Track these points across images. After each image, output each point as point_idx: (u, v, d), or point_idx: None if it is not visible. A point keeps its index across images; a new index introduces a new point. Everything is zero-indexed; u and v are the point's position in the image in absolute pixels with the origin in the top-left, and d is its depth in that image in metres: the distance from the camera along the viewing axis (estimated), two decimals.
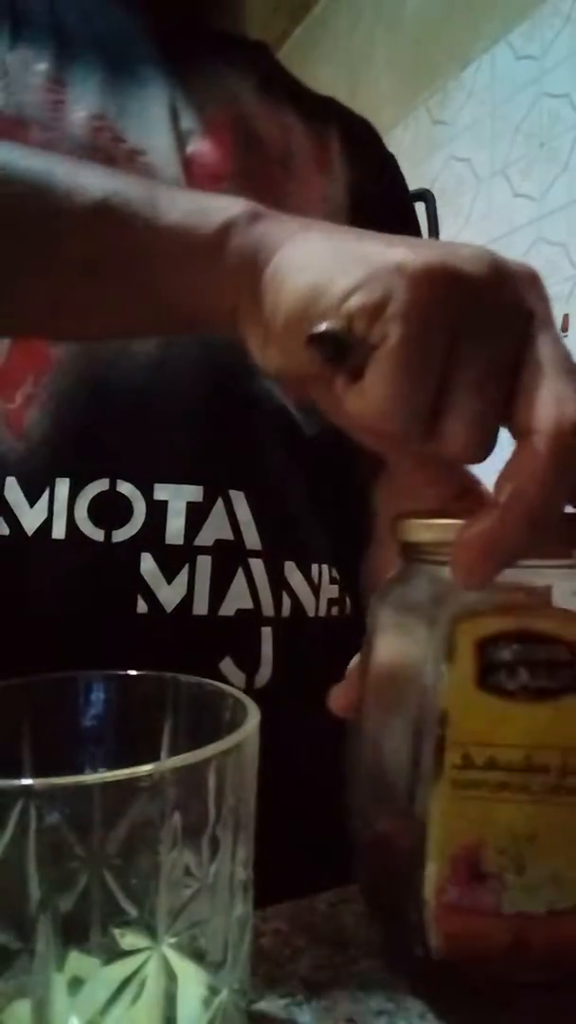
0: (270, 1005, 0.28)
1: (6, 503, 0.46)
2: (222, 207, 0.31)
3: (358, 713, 0.31)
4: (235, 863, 0.23)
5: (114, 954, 0.21)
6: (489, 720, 0.26)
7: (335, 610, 0.54)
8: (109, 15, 0.55)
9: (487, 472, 0.28)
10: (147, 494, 0.46)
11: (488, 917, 0.26)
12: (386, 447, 0.31)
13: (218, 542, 0.47)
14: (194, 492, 0.47)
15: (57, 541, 0.45)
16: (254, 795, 0.25)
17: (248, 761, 0.24)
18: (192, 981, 0.23)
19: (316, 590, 0.52)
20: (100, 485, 0.46)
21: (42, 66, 0.51)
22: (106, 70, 0.53)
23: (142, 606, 0.46)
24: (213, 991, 0.23)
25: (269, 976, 0.30)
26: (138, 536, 0.46)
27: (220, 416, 0.49)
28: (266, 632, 0.49)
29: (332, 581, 0.54)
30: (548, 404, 0.25)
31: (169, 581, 0.46)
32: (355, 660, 0.33)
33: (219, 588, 0.47)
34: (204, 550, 0.47)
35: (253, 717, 0.25)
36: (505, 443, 0.26)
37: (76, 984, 0.21)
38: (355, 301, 0.26)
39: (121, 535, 0.46)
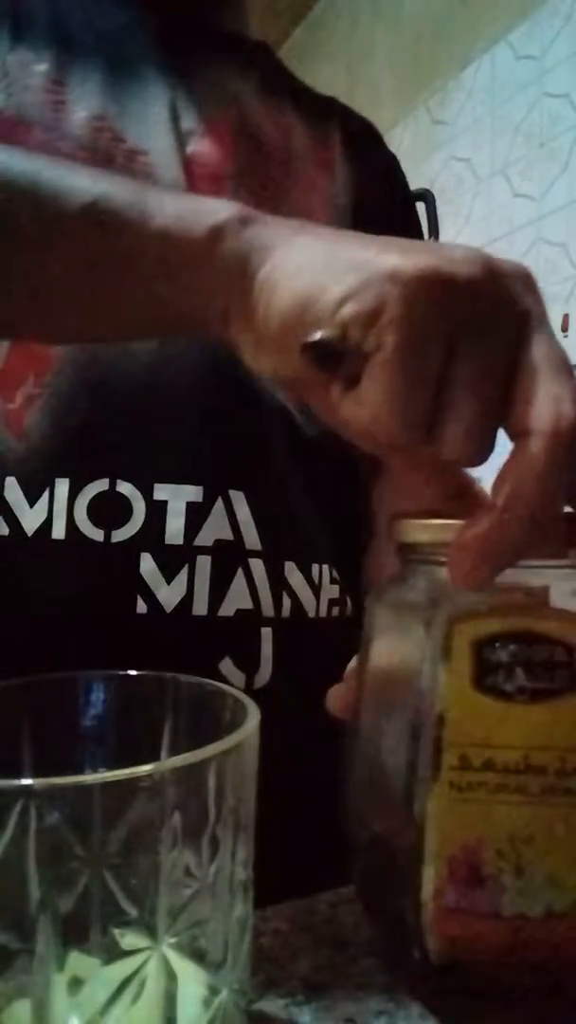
0: (270, 1005, 0.28)
1: (6, 503, 0.46)
2: (212, 210, 0.31)
3: (356, 714, 0.31)
4: (235, 863, 0.23)
5: (114, 954, 0.21)
6: (486, 721, 0.26)
7: (336, 610, 0.54)
8: (110, 15, 0.55)
9: (486, 471, 0.28)
10: (147, 494, 0.46)
11: (486, 919, 0.26)
12: (383, 450, 0.31)
13: (218, 542, 0.47)
14: (194, 492, 0.47)
15: (57, 541, 0.45)
16: (254, 795, 0.25)
17: (248, 761, 0.24)
18: (192, 981, 0.23)
19: (317, 590, 0.52)
20: (100, 485, 0.46)
21: (42, 67, 0.51)
22: (107, 70, 0.53)
23: (142, 606, 0.46)
24: (213, 991, 0.23)
25: (269, 976, 0.30)
26: (138, 536, 0.46)
27: (220, 416, 0.49)
28: (266, 632, 0.49)
29: (333, 581, 0.54)
30: (545, 404, 0.25)
31: (169, 581, 0.46)
32: (354, 661, 0.33)
33: (219, 588, 0.47)
34: (204, 550, 0.47)
35: (253, 717, 0.25)
36: (502, 443, 0.26)
37: (76, 984, 0.21)
38: (349, 309, 0.26)
39: (121, 535, 0.46)
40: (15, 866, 0.20)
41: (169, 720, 0.29)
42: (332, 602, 0.54)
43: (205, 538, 0.47)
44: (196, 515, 0.47)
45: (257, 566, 0.49)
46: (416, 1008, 0.28)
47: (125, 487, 0.46)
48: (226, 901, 0.23)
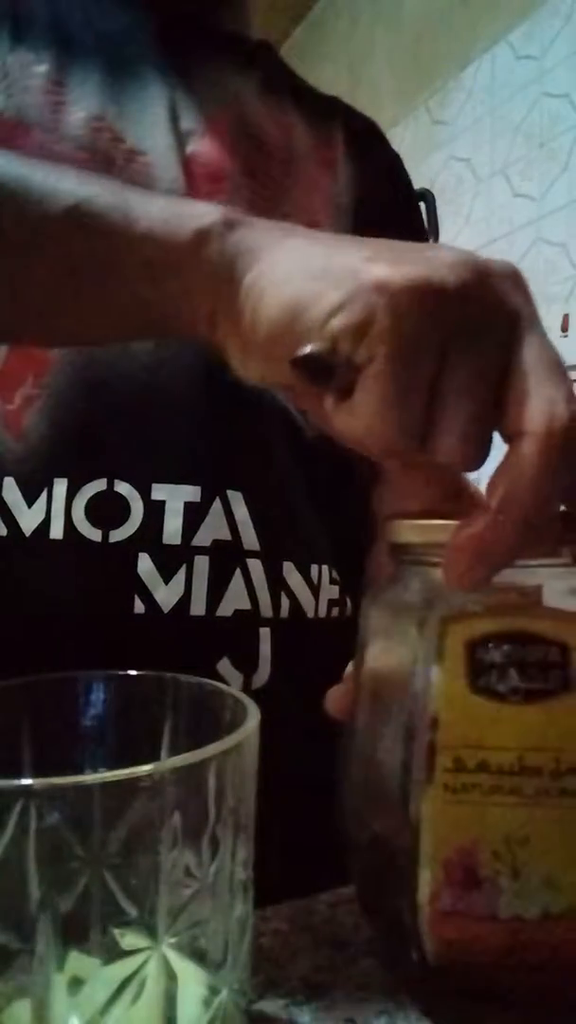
0: (270, 1005, 0.28)
1: (4, 504, 0.46)
2: (197, 214, 0.30)
3: (353, 716, 0.31)
4: (235, 863, 0.23)
5: (114, 954, 0.21)
6: (480, 723, 0.26)
7: (335, 611, 0.54)
8: (111, 16, 0.55)
9: (484, 472, 0.28)
10: (145, 494, 0.46)
11: (483, 922, 0.26)
12: (379, 457, 0.31)
13: (216, 542, 0.47)
14: (192, 492, 0.47)
15: (55, 541, 0.45)
16: (254, 795, 0.25)
17: (248, 761, 0.24)
18: (192, 981, 0.23)
19: (316, 591, 0.52)
20: (98, 485, 0.46)
21: (42, 68, 0.51)
22: (106, 71, 0.53)
23: (139, 606, 0.46)
24: (213, 991, 0.23)
25: (269, 976, 0.30)
26: (135, 536, 0.46)
27: (218, 416, 0.49)
28: (264, 633, 0.49)
29: (332, 582, 0.54)
30: (538, 406, 0.25)
31: (166, 581, 0.46)
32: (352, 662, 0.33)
33: (217, 588, 0.47)
34: (202, 550, 0.47)
35: (253, 717, 0.25)
36: (500, 444, 0.26)
37: (76, 984, 0.21)
38: (338, 321, 0.26)
39: (118, 535, 0.46)
40: (15, 866, 0.20)
41: (169, 720, 0.29)
42: (331, 602, 0.54)
43: (203, 538, 0.47)
44: (194, 515, 0.47)
45: (255, 566, 0.49)
46: (415, 1008, 0.28)
47: (123, 487, 0.46)
48: (226, 901, 0.23)
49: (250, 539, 0.48)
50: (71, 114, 0.50)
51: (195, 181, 0.52)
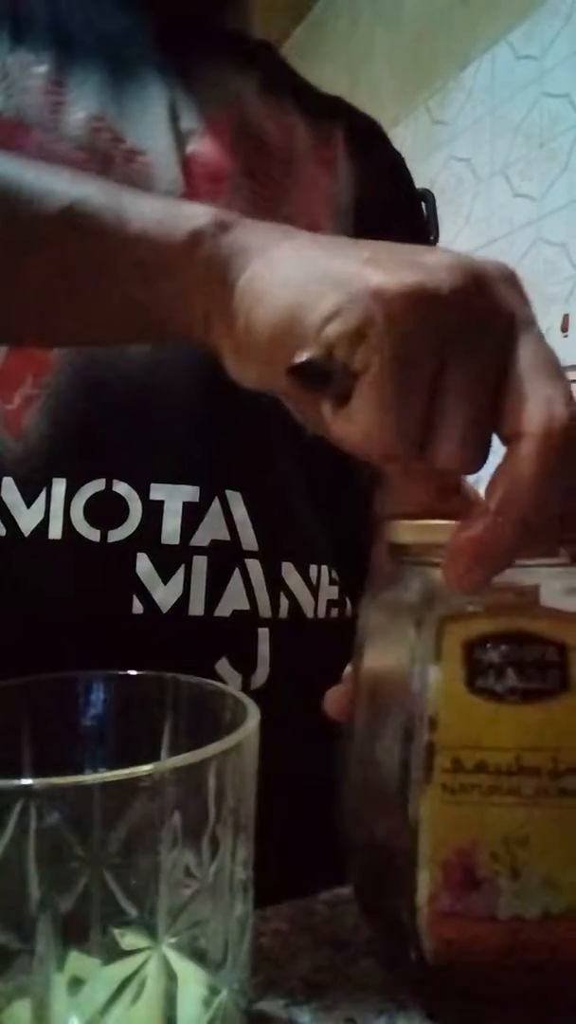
0: (270, 1005, 0.28)
1: (3, 504, 0.46)
2: (190, 215, 0.30)
3: (352, 716, 0.31)
4: (235, 863, 0.23)
5: (114, 954, 0.21)
6: (478, 723, 0.26)
7: (335, 612, 0.54)
8: (111, 16, 0.55)
9: (483, 473, 0.28)
10: (143, 494, 0.46)
11: (483, 922, 0.26)
12: (378, 462, 0.31)
13: (214, 542, 0.47)
14: (190, 492, 0.47)
15: (53, 541, 0.45)
16: (254, 795, 0.25)
17: (248, 761, 0.24)
18: (192, 981, 0.23)
19: (315, 591, 0.52)
20: (96, 485, 0.46)
21: (42, 68, 0.51)
22: (106, 71, 0.53)
23: (138, 606, 0.46)
24: (213, 991, 0.23)
25: (269, 976, 0.30)
26: (134, 536, 0.46)
27: (217, 417, 0.49)
28: (263, 633, 0.49)
29: (332, 582, 0.54)
30: (535, 407, 0.25)
31: (165, 581, 0.46)
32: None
33: (215, 589, 0.47)
34: (200, 550, 0.47)
35: (253, 717, 0.25)
36: (499, 446, 0.26)
37: (76, 984, 0.21)
38: (334, 328, 0.26)
39: (117, 535, 0.46)
40: (15, 866, 0.20)
41: (169, 720, 0.29)
42: (331, 603, 0.54)
43: (201, 538, 0.47)
44: (192, 515, 0.47)
45: (254, 566, 0.49)
46: (416, 1008, 0.28)
47: (122, 487, 0.46)
48: (226, 901, 0.23)
49: (249, 539, 0.48)
50: (71, 114, 0.50)
51: (194, 181, 0.52)
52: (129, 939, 0.21)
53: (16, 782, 0.19)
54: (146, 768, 0.20)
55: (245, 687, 0.48)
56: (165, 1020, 0.22)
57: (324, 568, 0.53)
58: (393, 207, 0.64)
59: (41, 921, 0.20)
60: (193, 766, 0.21)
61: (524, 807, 0.26)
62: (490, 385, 0.26)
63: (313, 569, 0.52)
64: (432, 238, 1.83)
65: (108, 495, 0.46)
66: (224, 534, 0.48)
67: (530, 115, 1.88)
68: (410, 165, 0.70)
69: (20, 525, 0.46)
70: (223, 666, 0.47)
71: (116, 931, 0.21)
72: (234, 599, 0.48)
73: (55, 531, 0.45)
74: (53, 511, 0.46)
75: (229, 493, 0.48)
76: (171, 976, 0.22)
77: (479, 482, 0.28)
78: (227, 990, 0.23)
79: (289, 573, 0.50)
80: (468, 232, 2.06)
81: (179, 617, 0.46)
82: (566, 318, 1.73)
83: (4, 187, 0.32)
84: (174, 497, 0.47)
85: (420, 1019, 0.28)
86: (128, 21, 0.55)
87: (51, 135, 0.49)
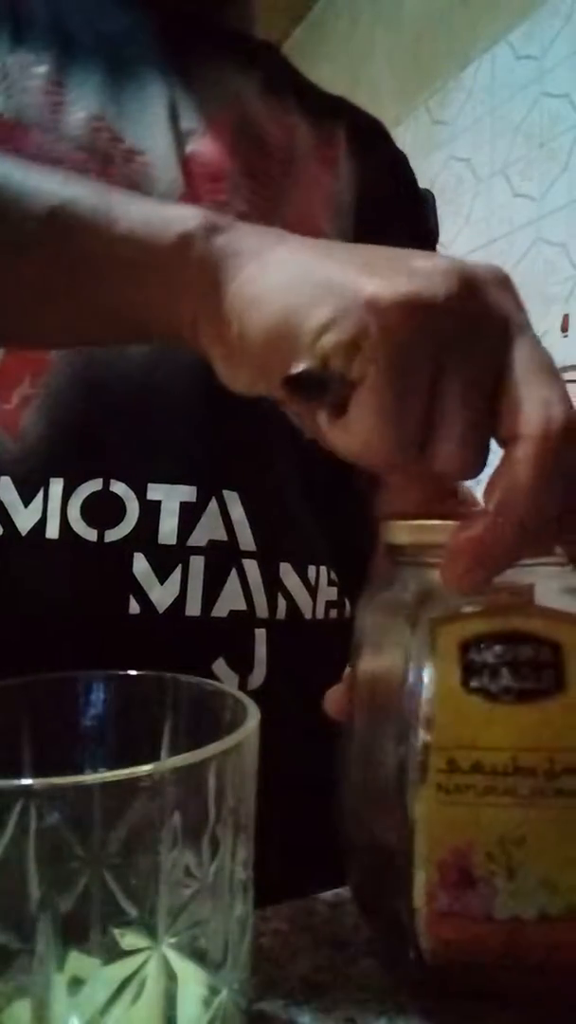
0: (270, 1005, 0.28)
1: (0, 503, 0.46)
2: (179, 217, 0.30)
3: (350, 716, 0.31)
4: (235, 863, 0.23)
5: (114, 954, 0.21)
6: (474, 723, 0.26)
7: (333, 612, 0.54)
8: (112, 16, 0.55)
9: (482, 476, 0.28)
10: (140, 494, 0.46)
11: (480, 922, 0.26)
12: (378, 471, 0.31)
13: (211, 543, 0.47)
14: (188, 492, 0.47)
15: (51, 541, 0.45)
16: (254, 795, 0.25)
17: (248, 761, 0.24)
18: (192, 981, 0.23)
19: (313, 592, 0.52)
20: (94, 485, 0.46)
21: (42, 68, 0.51)
22: (106, 71, 0.53)
23: (134, 607, 0.46)
24: (213, 991, 0.23)
25: (269, 976, 0.30)
26: (131, 536, 0.46)
27: (216, 417, 0.49)
28: (260, 634, 0.49)
29: (331, 583, 0.54)
30: (532, 409, 0.25)
31: (162, 582, 0.46)
32: None
33: (212, 589, 0.47)
34: (197, 551, 0.47)
35: (253, 717, 0.25)
36: (496, 450, 0.26)
37: (76, 984, 0.21)
38: (330, 339, 0.26)
39: (114, 535, 0.46)
40: (15, 866, 0.20)
41: (169, 720, 0.29)
42: (330, 604, 0.53)
43: (198, 538, 0.47)
44: (190, 515, 0.47)
45: (251, 567, 0.49)
46: (416, 1008, 0.28)
47: (119, 487, 0.46)
48: (226, 901, 0.23)
49: (246, 540, 0.48)
50: (70, 114, 0.50)
51: (194, 181, 0.52)
52: (129, 939, 0.21)
53: (16, 782, 0.19)
54: (146, 768, 0.20)
55: (242, 688, 0.48)
56: (165, 1020, 0.22)
57: (323, 569, 0.53)
58: (395, 205, 0.64)
59: (41, 921, 0.20)
60: (193, 766, 0.21)
61: (520, 807, 0.26)
62: (487, 389, 0.26)
63: (312, 570, 0.52)
64: (433, 237, 1.83)
65: (105, 495, 0.46)
66: (221, 534, 0.48)
67: (530, 115, 1.88)
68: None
69: (17, 525, 0.46)
70: (220, 667, 0.47)
71: (116, 931, 0.21)
72: (231, 599, 0.48)
73: (52, 531, 0.45)
74: (50, 511, 0.46)
75: (227, 493, 0.48)
76: (171, 976, 0.22)
77: (479, 484, 0.28)
78: (227, 990, 0.23)
79: (287, 574, 0.50)
80: (468, 232, 2.06)
81: (176, 617, 0.46)
82: (566, 318, 1.73)
83: None
84: (171, 497, 0.47)
85: (419, 1019, 0.28)
86: (128, 21, 0.55)
87: (51, 135, 0.49)
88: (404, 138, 2.25)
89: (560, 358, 0.27)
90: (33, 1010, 0.20)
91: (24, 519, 0.46)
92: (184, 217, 0.30)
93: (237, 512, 0.48)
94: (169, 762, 0.21)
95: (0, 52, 0.51)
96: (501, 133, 1.97)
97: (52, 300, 0.33)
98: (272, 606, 0.49)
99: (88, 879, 0.20)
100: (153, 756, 0.28)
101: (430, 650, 0.26)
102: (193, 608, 0.46)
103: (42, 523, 0.45)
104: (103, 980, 0.21)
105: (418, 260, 0.27)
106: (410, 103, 2.30)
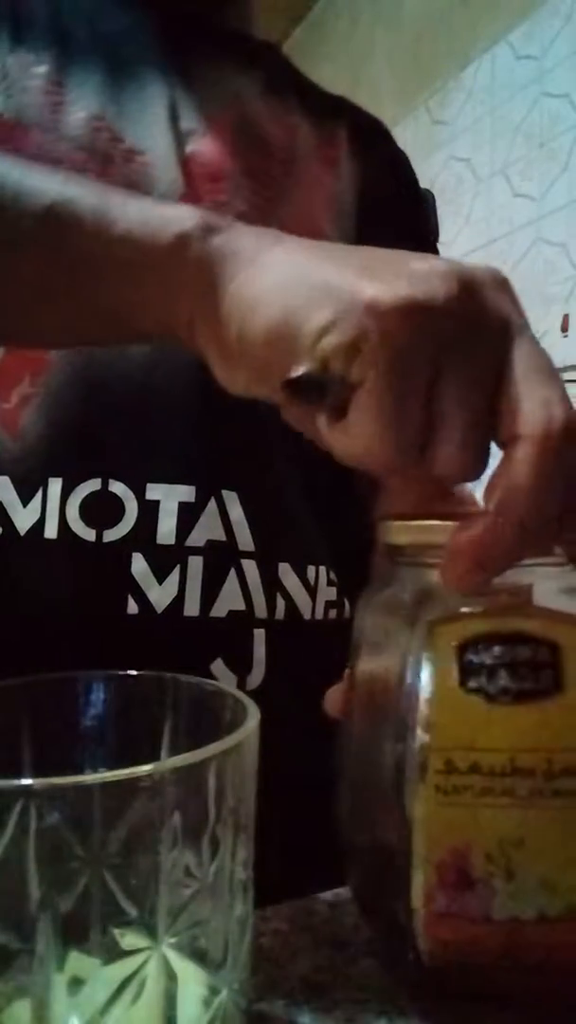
0: (270, 1005, 0.28)
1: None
2: (176, 217, 0.30)
3: (349, 716, 0.31)
4: (235, 863, 0.23)
5: (114, 954, 0.21)
6: (472, 724, 0.26)
7: (333, 613, 0.54)
8: (112, 16, 0.55)
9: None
10: (139, 494, 0.46)
11: (478, 923, 0.26)
12: (378, 474, 0.31)
13: (210, 543, 0.47)
14: (186, 492, 0.47)
15: (49, 541, 0.45)
16: (254, 795, 0.25)
17: (248, 761, 0.24)
18: (192, 981, 0.23)
19: (313, 592, 0.52)
20: (92, 485, 0.46)
21: (42, 68, 0.51)
22: (107, 71, 0.53)
23: (133, 606, 0.45)
24: (213, 991, 0.23)
25: (269, 976, 0.30)
26: (129, 536, 0.46)
27: (215, 417, 0.49)
28: (259, 634, 0.49)
29: (330, 583, 0.54)
30: (533, 409, 0.25)
31: (160, 582, 0.46)
32: None
33: (210, 589, 0.47)
34: (195, 551, 0.47)
35: (253, 717, 0.25)
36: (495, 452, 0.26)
37: (76, 984, 0.21)
38: (329, 341, 0.26)
39: (112, 535, 0.46)
40: (15, 866, 0.20)
41: (169, 720, 0.29)
42: (329, 604, 0.53)
43: (197, 538, 0.47)
44: (188, 515, 0.47)
45: (250, 567, 0.48)
46: (416, 1009, 0.28)
47: (117, 487, 0.46)
48: (226, 901, 0.23)
49: (245, 540, 0.48)
50: (70, 114, 0.50)
51: (194, 181, 0.52)
52: (129, 939, 0.21)
53: (16, 782, 0.19)
54: (146, 768, 0.20)
55: (240, 688, 0.47)
56: (165, 1020, 0.22)
57: (322, 569, 0.53)
58: (396, 205, 0.64)
59: (41, 921, 0.20)
60: (193, 766, 0.21)
61: (518, 808, 0.26)
62: (487, 390, 0.26)
63: (311, 570, 0.52)
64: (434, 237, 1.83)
65: (104, 495, 0.46)
66: (220, 534, 0.48)
67: (530, 115, 1.88)
68: None
69: (16, 524, 0.46)
70: (218, 667, 0.47)
71: (116, 931, 0.21)
72: (230, 600, 0.48)
73: (51, 531, 0.45)
74: (49, 510, 0.46)
75: (225, 493, 0.48)
76: (171, 976, 0.22)
77: (478, 484, 0.28)
78: (227, 990, 0.23)
79: (286, 574, 0.50)
80: (468, 232, 2.06)
81: (174, 617, 0.46)
82: (566, 318, 1.73)
83: None
84: (170, 497, 0.47)
85: (419, 1020, 0.28)
86: (129, 21, 0.55)
87: (50, 135, 0.49)
88: (404, 138, 2.24)
89: (560, 358, 0.27)
90: (33, 1010, 0.20)
91: (23, 519, 0.46)
92: (181, 217, 0.30)
93: (236, 512, 0.48)
94: (169, 762, 0.21)
95: (0, 52, 0.51)
96: (501, 133, 1.97)
97: (50, 299, 0.33)
98: (271, 606, 0.49)
99: (88, 879, 0.20)
100: (153, 756, 0.28)
101: (428, 650, 0.26)
102: (192, 608, 0.46)
103: (41, 523, 0.45)
104: (103, 980, 0.21)
105: (416, 262, 0.27)
106: (410, 103, 2.30)
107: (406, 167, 0.69)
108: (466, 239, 2.05)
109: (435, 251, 0.70)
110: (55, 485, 0.46)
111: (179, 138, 0.53)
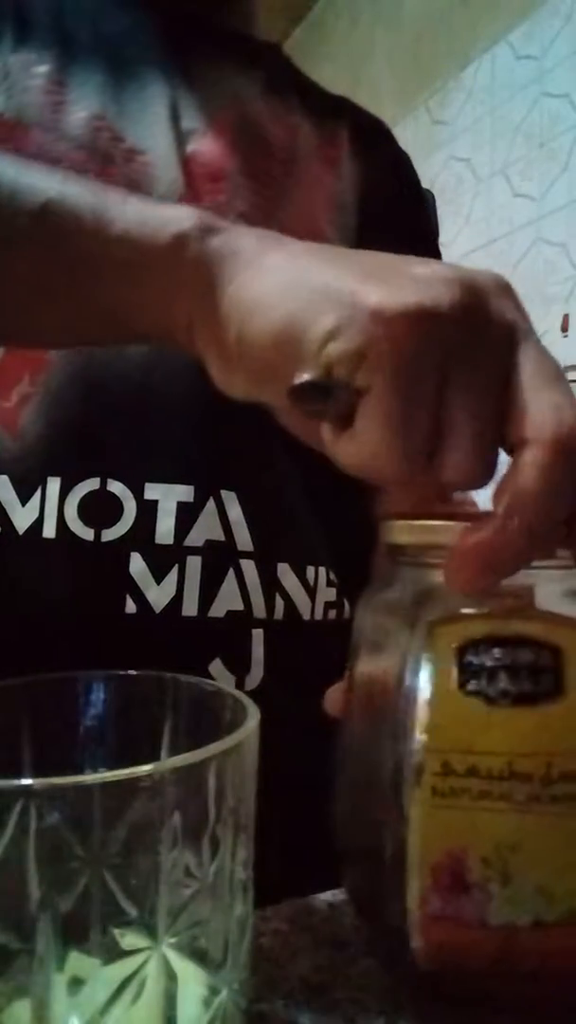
0: (270, 1005, 0.28)
1: None
2: (174, 217, 0.30)
3: (347, 717, 0.31)
4: (235, 863, 0.23)
5: (114, 954, 0.21)
6: (470, 727, 0.25)
7: (332, 613, 0.54)
8: (113, 16, 0.55)
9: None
10: (138, 494, 0.46)
11: (474, 928, 0.26)
12: (385, 483, 0.30)
13: (209, 543, 0.47)
14: (185, 492, 0.47)
15: (48, 540, 0.45)
16: (254, 795, 0.25)
17: (248, 761, 0.24)
18: (192, 981, 0.23)
19: (312, 593, 0.52)
20: (91, 484, 0.46)
21: (43, 68, 0.51)
22: (108, 71, 0.53)
23: (131, 606, 0.45)
24: (213, 991, 0.23)
25: (269, 976, 0.30)
26: (128, 536, 0.46)
27: (214, 417, 0.49)
28: (257, 634, 0.49)
29: (330, 584, 0.54)
30: (542, 413, 0.25)
31: (158, 581, 0.46)
32: None
33: (209, 589, 0.47)
34: (194, 551, 0.47)
35: (253, 717, 0.25)
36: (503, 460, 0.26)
37: (76, 984, 0.21)
38: (334, 349, 0.25)
39: (111, 535, 0.46)
40: (15, 866, 0.20)
41: (169, 720, 0.29)
42: (328, 604, 0.53)
43: (195, 538, 0.47)
44: (187, 515, 0.47)
45: (249, 567, 0.48)
46: (413, 1011, 0.28)
47: (116, 486, 0.46)
48: (226, 901, 0.23)
49: (244, 540, 0.48)
50: (71, 114, 0.50)
51: (195, 181, 0.52)
52: (129, 939, 0.21)
53: (16, 782, 0.19)
54: (146, 768, 0.20)
55: (239, 688, 0.47)
56: (165, 1020, 0.22)
57: (322, 569, 0.53)
58: (397, 205, 0.64)
59: (41, 921, 0.20)
60: (193, 766, 0.21)
61: (516, 813, 0.25)
62: (494, 396, 0.25)
63: (310, 570, 0.52)
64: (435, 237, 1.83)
65: (102, 494, 0.46)
66: (219, 534, 0.48)
67: (530, 115, 1.88)
68: None
69: (15, 524, 0.46)
70: (216, 667, 0.47)
71: (116, 931, 0.21)
72: (228, 600, 0.47)
73: (49, 530, 0.45)
74: (47, 510, 0.46)
75: (224, 493, 0.48)
76: (171, 976, 0.22)
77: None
78: (227, 990, 0.23)
79: (285, 574, 0.50)
80: (468, 232, 2.06)
81: (172, 617, 0.46)
82: (566, 318, 1.73)
83: None
84: (168, 497, 0.47)
85: (420, 1019, 0.28)
86: (130, 21, 0.55)
87: (51, 135, 0.49)
88: (404, 138, 2.24)
89: (560, 358, 0.27)
90: (33, 1010, 0.20)
91: (21, 518, 0.46)
92: (180, 217, 0.30)
93: (235, 512, 0.48)
94: (169, 762, 0.21)
95: (2, 52, 0.51)
96: (501, 133, 1.97)
97: (48, 299, 0.33)
98: (270, 606, 0.49)
99: (88, 879, 0.20)
100: (153, 756, 0.28)
101: (428, 651, 0.26)
102: (190, 608, 0.46)
103: (39, 522, 0.45)
104: (103, 980, 0.21)
105: (418, 267, 0.26)
106: (410, 103, 2.30)
107: (408, 167, 0.69)
108: (466, 239, 2.05)
109: (436, 251, 0.70)
110: (54, 484, 0.46)
111: (180, 138, 0.53)
